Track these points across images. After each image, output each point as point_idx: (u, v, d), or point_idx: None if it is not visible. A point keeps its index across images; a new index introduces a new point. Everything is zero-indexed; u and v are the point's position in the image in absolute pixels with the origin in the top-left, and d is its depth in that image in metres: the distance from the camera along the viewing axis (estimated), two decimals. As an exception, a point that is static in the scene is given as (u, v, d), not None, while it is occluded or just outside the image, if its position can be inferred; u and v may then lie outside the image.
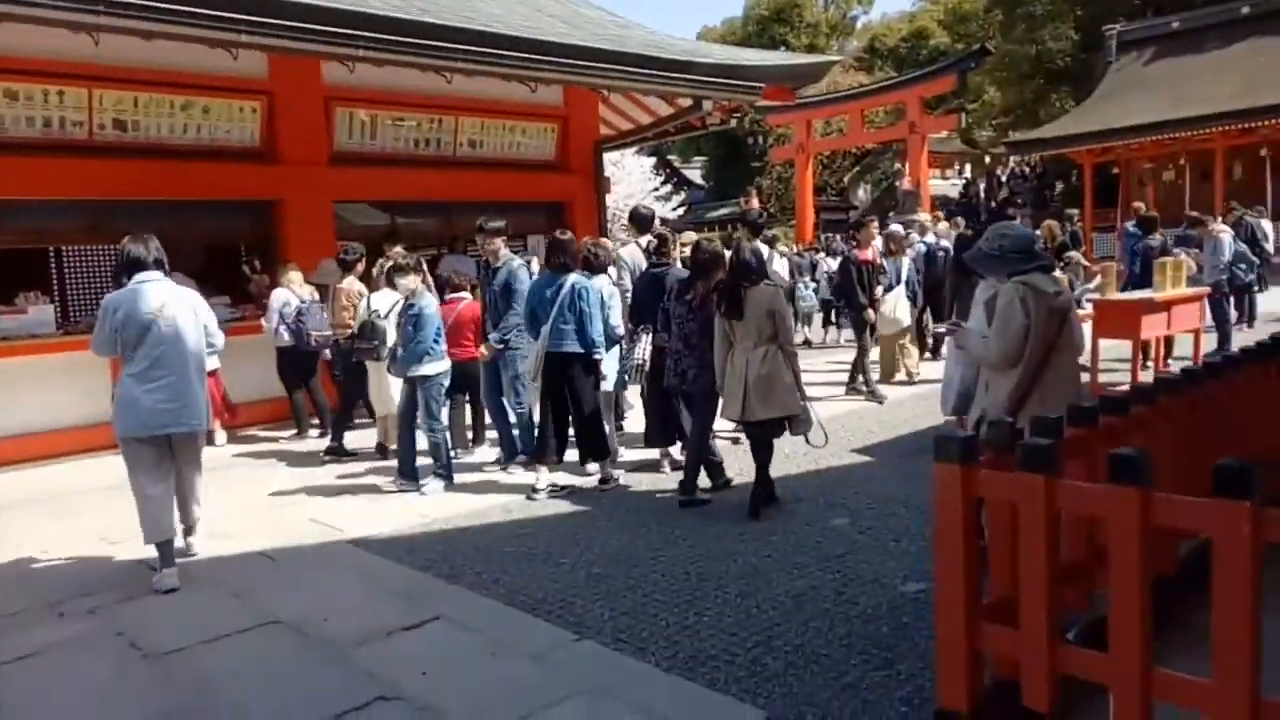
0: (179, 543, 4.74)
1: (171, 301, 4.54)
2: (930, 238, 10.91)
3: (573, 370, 5.87)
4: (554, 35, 9.10)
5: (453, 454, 6.53)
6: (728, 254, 5.54)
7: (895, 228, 10.35)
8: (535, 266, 9.32)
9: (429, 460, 6.19)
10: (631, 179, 26.91)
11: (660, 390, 6.03)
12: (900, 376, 9.42)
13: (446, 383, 6.30)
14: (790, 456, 5.84)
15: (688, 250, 6.40)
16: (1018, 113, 32.64)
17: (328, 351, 7.85)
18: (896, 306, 9.00)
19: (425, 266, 8.81)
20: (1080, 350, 3.66)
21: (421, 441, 6.22)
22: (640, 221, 7.37)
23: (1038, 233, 8.20)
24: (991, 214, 27.77)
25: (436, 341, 6.10)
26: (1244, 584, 2.01)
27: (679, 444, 6.26)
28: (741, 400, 5.07)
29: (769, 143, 31.47)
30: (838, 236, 19.10)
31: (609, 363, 6.18)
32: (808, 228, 24.46)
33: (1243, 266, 10.64)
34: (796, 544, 4.65)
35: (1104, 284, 8.50)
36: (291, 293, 7.98)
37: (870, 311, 8.65)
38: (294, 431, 8.28)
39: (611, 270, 6.74)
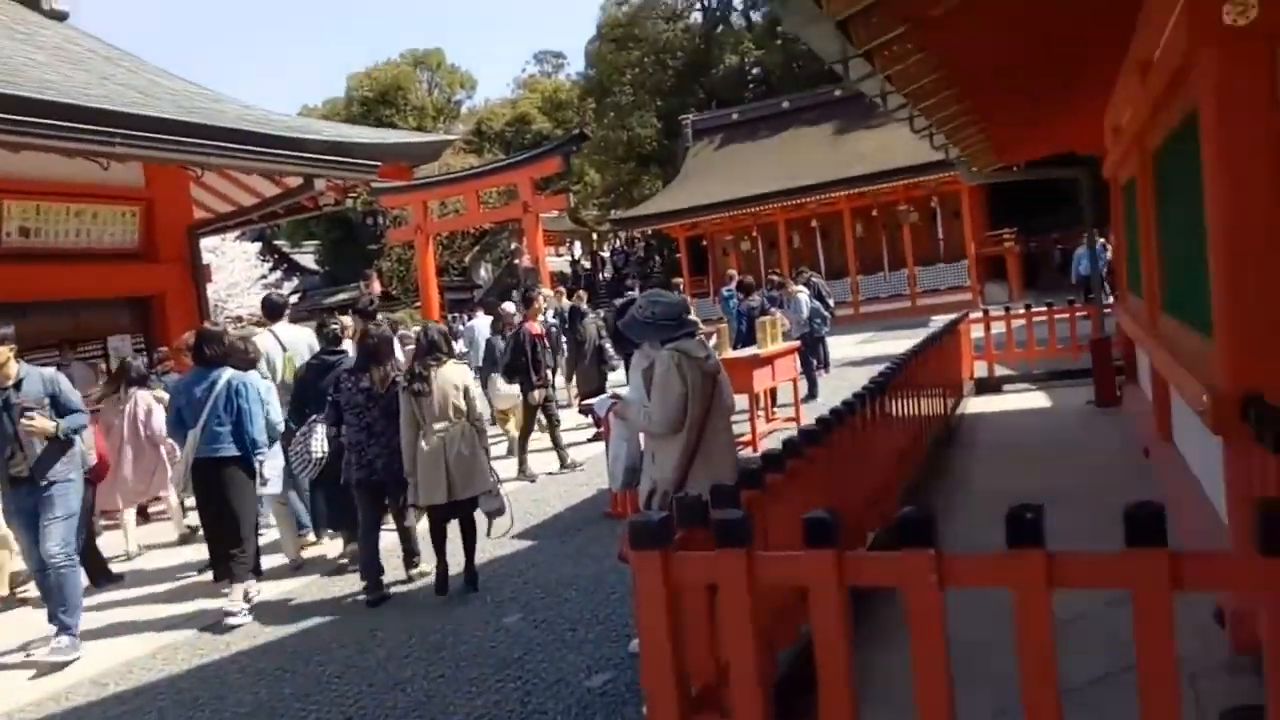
0: None
1: None
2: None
3: (228, 477, 5.19)
4: (126, 105, 7.88)
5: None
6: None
7: (507, 306, 10.42)
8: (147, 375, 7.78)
9: None
10: (235, 266, 24.61)
11: (336, 483, 5.55)
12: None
13: None
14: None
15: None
16: (616, 192, 35.78)
17: None
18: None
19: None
20: (732, 409, 3.77)
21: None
22: (272, 309, 6.83)
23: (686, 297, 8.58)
24: (607, 286, 29.74)
25: None
26: (935, 630, 2.04)
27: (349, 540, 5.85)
28: (445, 482, 4.91)
29: (386, 224, 30.78)
30: (464, 316, 19.09)
31: (272, 463, 5.51)
32: (433, 308, 24.13)
33: (818, 321, 12.40)
34: (470, 654, 4.22)
35: (719, 344, 9.24)
36: None
37: (536, 393, 8.19)
38: None
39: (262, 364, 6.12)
